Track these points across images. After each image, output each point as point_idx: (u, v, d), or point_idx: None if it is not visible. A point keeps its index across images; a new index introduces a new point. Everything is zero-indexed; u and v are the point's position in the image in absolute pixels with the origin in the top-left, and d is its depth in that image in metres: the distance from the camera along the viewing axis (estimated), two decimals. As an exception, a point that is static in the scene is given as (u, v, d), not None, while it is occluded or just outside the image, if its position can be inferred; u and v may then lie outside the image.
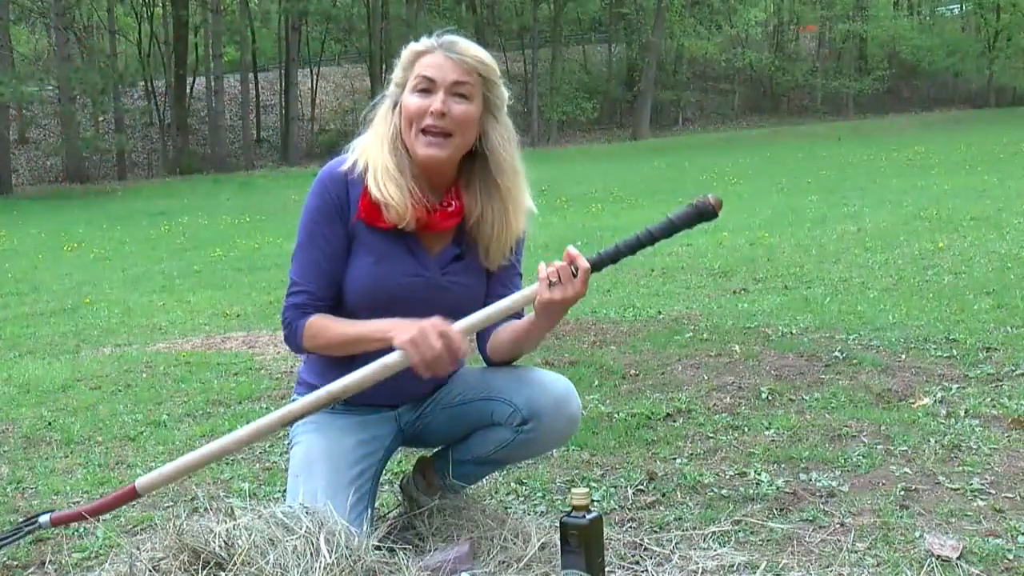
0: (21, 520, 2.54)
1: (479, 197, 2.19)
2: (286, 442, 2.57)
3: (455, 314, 2.23)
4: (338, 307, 2.21)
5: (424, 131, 2.11)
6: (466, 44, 2.14)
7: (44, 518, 2.22)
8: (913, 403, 3.44)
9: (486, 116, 2.15)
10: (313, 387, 2.30)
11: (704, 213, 2.02)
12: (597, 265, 2.06)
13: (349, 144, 2.24)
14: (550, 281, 2.03)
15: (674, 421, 3.44)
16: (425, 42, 2.16)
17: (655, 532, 2.48)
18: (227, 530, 1.91)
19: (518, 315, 2.27)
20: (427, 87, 2.10)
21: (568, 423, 2.21)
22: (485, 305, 2.27)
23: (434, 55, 2.12)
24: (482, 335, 2.29)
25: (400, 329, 2.02)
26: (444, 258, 2.21)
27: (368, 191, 2.13)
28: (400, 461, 3.01)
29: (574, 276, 2.03)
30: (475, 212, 2.19)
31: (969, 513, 2.48)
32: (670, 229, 2.05)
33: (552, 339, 4.87)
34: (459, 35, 2.17)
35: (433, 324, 2.01)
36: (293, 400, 2.37)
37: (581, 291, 2.03)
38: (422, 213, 2.13)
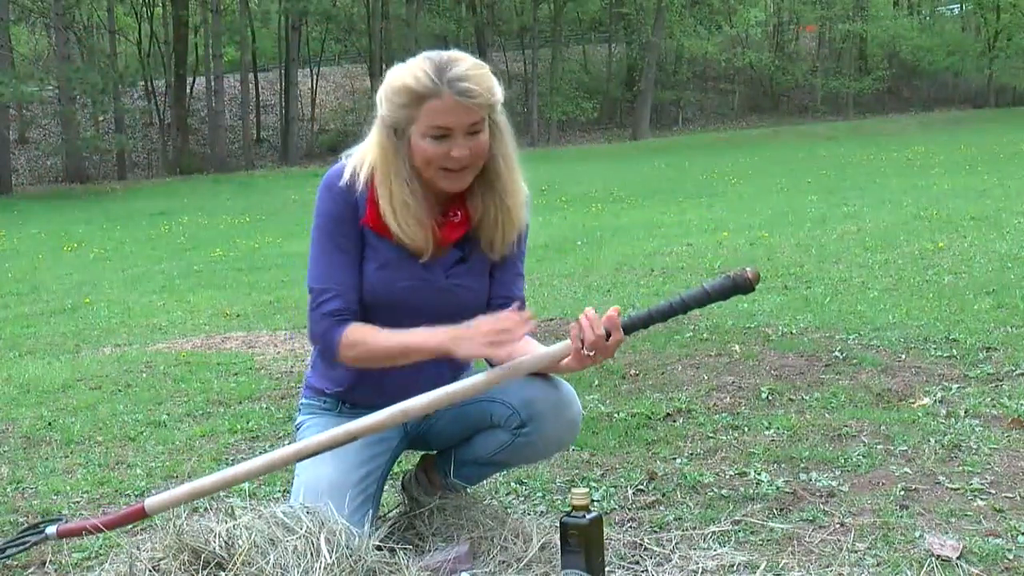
0: (26, 526, 2.54)
1: (482, 199, 2.18)
2: (290, 442, 2.57)
3: (460, 316, 2.24)
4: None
5: (444, 168, 2.09)
6: (473, 79, 2.03)
7: (51, 529, 2.22)
8: (913, 403, 3.44)
9: (490, 127, 2.13)
10: (320, 392, 2.32)
11: (740, 286, 2.04)
12: (627, 330, 2.07)
13: (347, 151, 2.22)
14: (585, 351, 2.03)
15: (674, 421, 3.44)
16: (423, 78, 2.03)
17: (655, 532, 2.48)
18: (227, 530, 1.91)
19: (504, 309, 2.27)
20: (444, 135, 2.05)
21: (567, 427, 2.21)
22: (489, 306, 2.29)
23: (443, 101, 2.01)
24: None
25: (452, 340, 2.04)
26: (447, 262, 2.22)
27: (374, 203, 2.13)
28: (401, 461, 3.00)
29: (605, 340, 2.04)
30: (478, 214, 2.19)
31: (969, 513, 2.48)
32: (705, 299, 2.07)
33: (553, 340, 4.86)
34: (447, 53, 2.10)
35: (482, 322, 2.05)
36: (301, 403, 2.39)
37: (609, 356, 2.06)
38: (435, 234, 2.15)
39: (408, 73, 2.05)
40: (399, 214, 2.09)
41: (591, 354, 2.02)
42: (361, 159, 2.17)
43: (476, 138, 2.08)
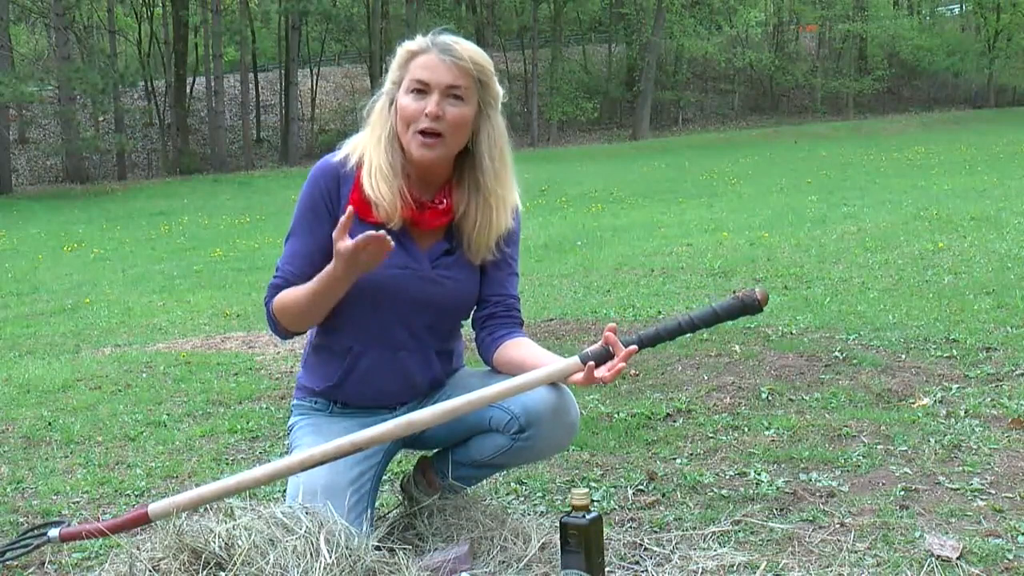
0: (28, 528, 2.53)
1: (467, 193, 2.22)
2: (287, 443, 2.57)
3: (446, 307, 2.25)
4: None
5: (419, 132, 2.13)
6: (461, 45, 2.15)
7: (53, 532, 2.22)
8: (913, 403, 3.44)
9: (479, 115, 2.18)
10: (311, 391, 2.32)
11: (749, 307, 2.06)
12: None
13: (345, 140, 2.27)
14: (594, 378, 2.06)
15: (674, 421, 3.43)
16: (420, 41, 2.17)
17: (655, 532, 2.48)
18: (227, 530, 1.91)
19: (508, 326, 2.29)
20: (421, 88, 2.12)
21: (566, 431, 2.21)
22: (482, 300, 2.29)
23: (428, 56, 2.13)
24: (488, 342, 2.30)
25: (336, 263, 2.04)
26: (434, 252, 2.23)
27: (360, 186, 2.16)
28: (400, 461, 3.01)
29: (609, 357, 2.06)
30: (461, 207, 2.22)
31: (969, 513, 2.47)
32: (713, 319, 2.09)
33: (553, 339, 4.87)
34: (454, 34, 2.18)
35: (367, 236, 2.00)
36: (293, 404, 2.39)
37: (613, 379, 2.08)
38: (411, 213, 2.17)
39: (412, 40, 2.19)
40: (373, 174, 2.15)
41: (606, 375, 2.03)
42: (357, 143, 2.23)
43: (454, 105, 2.13)
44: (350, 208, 2.01)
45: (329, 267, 2.06)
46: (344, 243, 1.99)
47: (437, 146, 2.14)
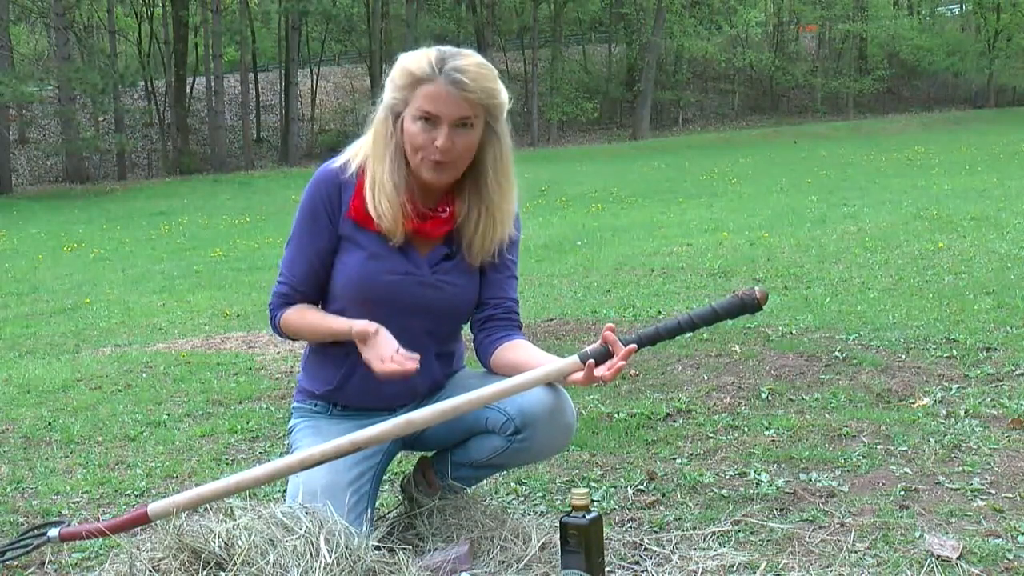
0: (28, 528, 2.54)
1: (469, 201, 2.22)
2: (287, 444, 2.57)
3: (446, 312, 2.26)
4: (324, 300, 2.28)
5: (428, 159, 2.11)
6: (469, 72, 2.06)
7: (53, 532, 2.23)
8: (913, 403, 3.44)
9: (485, 131, 2.15)
10: (311, 393, 2.33)
11: (748, 305, 2.06)
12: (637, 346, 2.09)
13: (348, 145, 2.27)
14: (594, 377, 2.06)
15: (674, 421, 3.43)
16: (424, 65, 2.08)
17: (655, 532, 2.48)
18: (227, 530, 1.91)
19: (506, 329, 2.29)
20: (430, 118, 2.08)
21: (562, 433, 2.21)
22: (481, 303, 2.29)
23: (436, 86, 2.06)
24: (486, 344, 2.30)
25: (359, 335, 2.13)
26: (434, 257, 2.23)
27: (361, 193, 2.17)
28: (400, 461, 3.01)
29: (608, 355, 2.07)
30: (463, 213, 2.22)
31: (969, 513, 2.47)
32: (713, 318, 2.09)
33: (553, 339, 4.87)
34: (458, 49, 2.14)
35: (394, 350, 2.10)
36: (293, 407, 2.39)
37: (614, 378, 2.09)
38: (412, 226, 2.17)
39: (413, 58, 2.12)
40: (375, 191, 2.15)
41: (606, 373, 2.02)
42: (358, 149, 2.22)
43: (464, 134, 2.10)
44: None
45: (347, 330, 2.13)
46: (379, 364, 2.07)
47: (448, 170, 2.14)
